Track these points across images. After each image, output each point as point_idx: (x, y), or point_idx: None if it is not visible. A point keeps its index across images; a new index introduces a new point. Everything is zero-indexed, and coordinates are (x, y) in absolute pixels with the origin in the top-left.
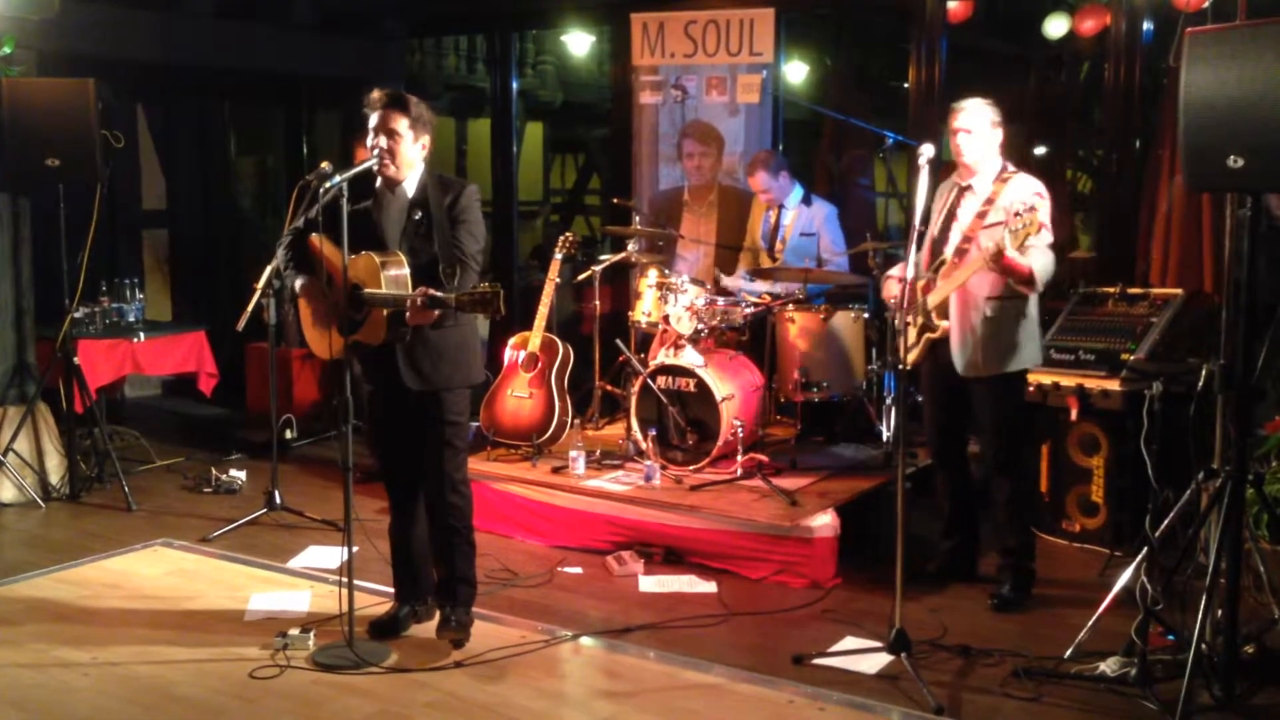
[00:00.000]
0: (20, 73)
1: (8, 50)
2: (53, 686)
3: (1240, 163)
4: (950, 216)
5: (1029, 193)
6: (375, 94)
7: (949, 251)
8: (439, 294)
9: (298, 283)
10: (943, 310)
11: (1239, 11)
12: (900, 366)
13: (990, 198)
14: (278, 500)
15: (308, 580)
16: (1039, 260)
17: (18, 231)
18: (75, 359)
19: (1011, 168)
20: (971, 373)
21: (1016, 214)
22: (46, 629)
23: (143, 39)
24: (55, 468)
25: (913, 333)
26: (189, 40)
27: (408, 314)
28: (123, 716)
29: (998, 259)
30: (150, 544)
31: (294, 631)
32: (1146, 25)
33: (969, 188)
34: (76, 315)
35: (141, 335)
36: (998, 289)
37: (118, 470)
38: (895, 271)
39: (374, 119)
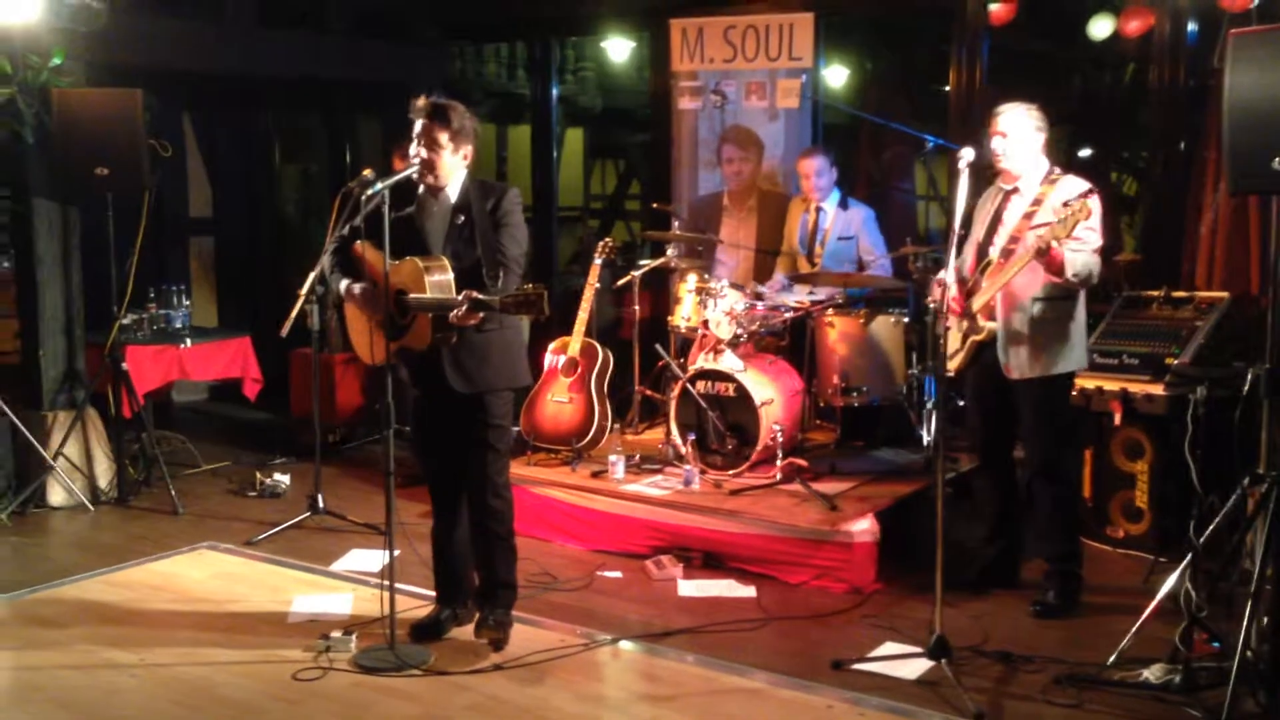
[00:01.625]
0: (70, 83)
1: (57, 61)
2: (100, 687)
3: None
4: (996, 220)
5: (1074, 193)
6: (421, 102)
7: (994, 252)
8: (484, 297)
9: (346, 285)
10: (988, 311)
11: None
12: (944, 373)
13: (1038, 199)
14: (321, 504)
15: (350, 583)
16: (1080, 258)
17: (67, 240)
18: (123, 365)
19: (1059, 170)
20: (1017, 374)
21: (1066, 203)
22: (94, 630)
23: (188, 49)
24: (104, 472)
25: (957, 337)
26: (233, 49)
27: (453, 317)
28: (168, 717)
29: (1043, 251)
30: (196, 547)
31: (336, 634)
32: (1191, 26)
33: (1015, 190)
34: (125, 322)
35: (188, 341)
36: (1044, 289)
37: (164, 474)
38: (945, 275)
39: (417, 127)
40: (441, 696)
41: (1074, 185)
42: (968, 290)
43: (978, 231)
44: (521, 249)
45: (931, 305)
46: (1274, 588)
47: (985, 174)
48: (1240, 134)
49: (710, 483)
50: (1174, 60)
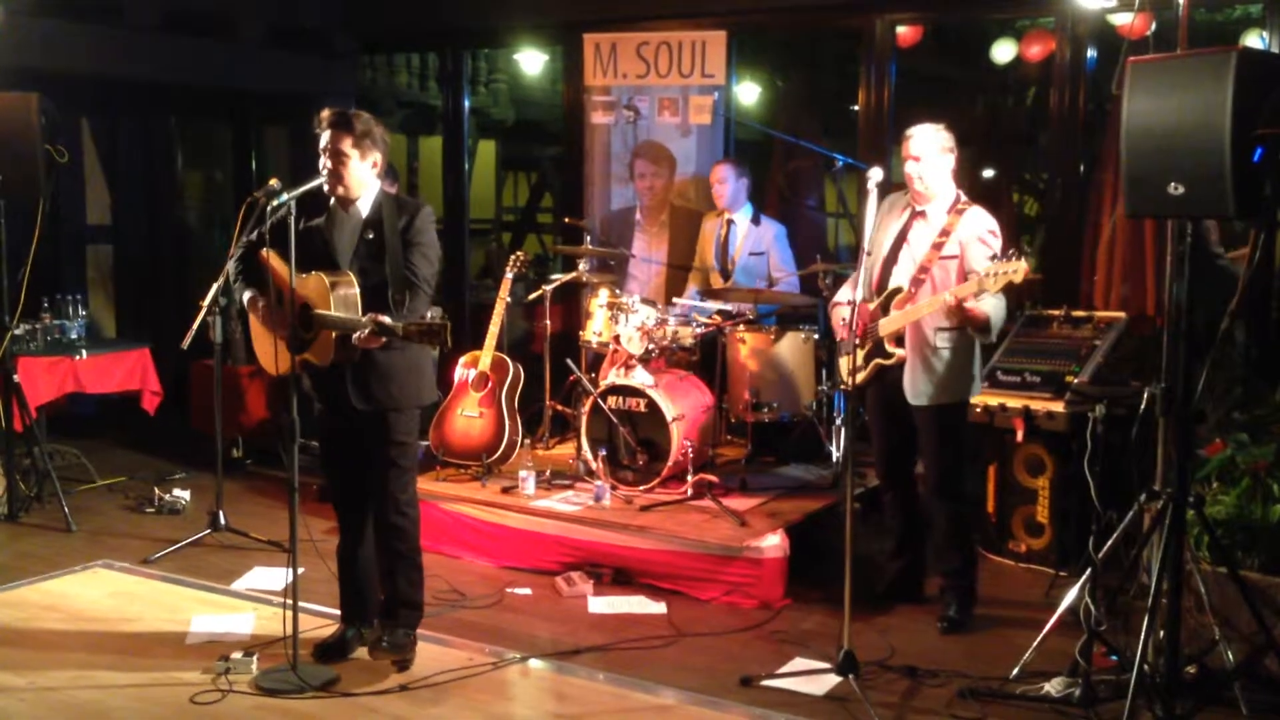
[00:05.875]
0: None
1: None
2: None
3: (1180, 189)
4: (901, 239)
5: (983, 230)
6: (324, 114)
7: (904, 279)
8: (387, 322)
9: (250, 297)
10: (896, 338)
11: (1179, 41)
12: (843, 387)
13: (946, 229)
14: (222, 520)
15: (251, 602)
16: (994, 305)
17: None
18: (15, 377)
19: (965, 198)
20: (920, 401)
21: (994, 257)
22: None
23: (88, 53)
24: None
25: (860, 355)
26: (135, 54)
27: (356, 339)
28: None
29: (958, 310)
30: (90, 565)
31: (236, 655)
32: (1091, 52)
33: (922, 214)
34: (17, 332)
35: (83, 352)
36: (949, 322)
37: (57, 490)
38: (841, 297)
39: (322, 140)
40: (345, 718)
41: (979, 220)
42: (873, 310)
43: (880, 247)
44: (433, 269)
45: (839, 327)
46: (1170, 602)
47: (892, 189)
48: (1138, 159)
49: (621, 499)
50: (1074, 85)
